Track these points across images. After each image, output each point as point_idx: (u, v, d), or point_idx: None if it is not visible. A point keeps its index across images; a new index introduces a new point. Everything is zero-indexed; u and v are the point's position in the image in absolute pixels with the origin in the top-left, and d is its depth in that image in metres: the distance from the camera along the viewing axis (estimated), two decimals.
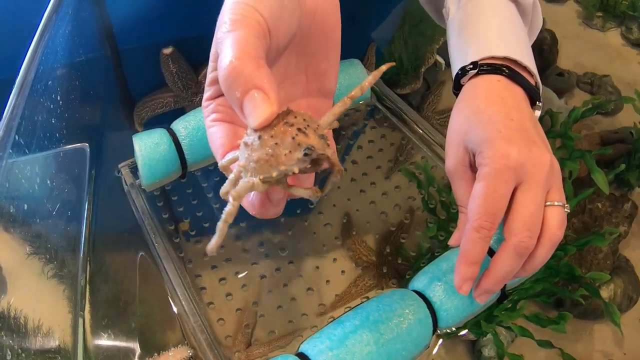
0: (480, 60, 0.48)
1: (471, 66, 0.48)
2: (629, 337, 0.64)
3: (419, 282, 0.54)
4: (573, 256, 0.65)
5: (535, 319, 0.59)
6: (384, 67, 0.38)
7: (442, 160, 0.69)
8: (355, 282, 0.61)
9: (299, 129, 0.32)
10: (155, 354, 0.54)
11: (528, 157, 0.42)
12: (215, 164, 0.38)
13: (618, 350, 0.64)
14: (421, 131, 0.72)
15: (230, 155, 0.36)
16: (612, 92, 0.87)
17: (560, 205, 0.44)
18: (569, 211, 0.45)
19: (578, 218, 0.70)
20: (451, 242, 0.48)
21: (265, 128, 0.33)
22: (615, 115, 0.85)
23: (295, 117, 0.33)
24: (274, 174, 0.33)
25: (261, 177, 0.33)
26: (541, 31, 0.94)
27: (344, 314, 0.52)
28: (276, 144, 0.32)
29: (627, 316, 0.66)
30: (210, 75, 0.37)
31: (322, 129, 0.34)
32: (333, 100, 0.44)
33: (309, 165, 0.33)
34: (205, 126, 0.38)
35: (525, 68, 0.48)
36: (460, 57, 0.50)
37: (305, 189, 0.36)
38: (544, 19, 0.95)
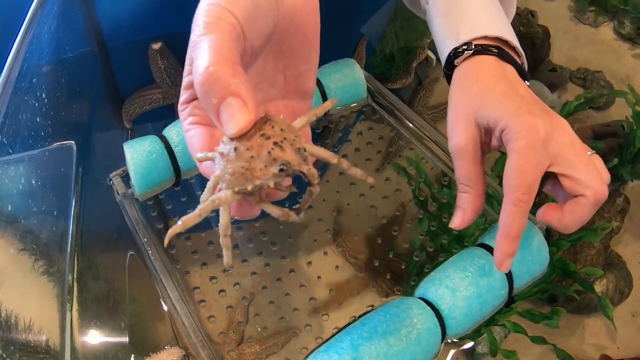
0: (473, 40, 0.49)
1: (465, 47, 0.48)
2: (621, 331, 0.64)
3: (426, 289, 0.52)
4: (566, 252, 0.65)
5: (528, 315, 0.59)
6: (328, 105, 0.39)
7: (434, 154, 0.68)
8: (347, 281, 0.61)
9: (275, 143, 0.32)
10: (146, 358, 0.53)
11: (551, 127, 0.43)
12: None
13: (611, 344, 0.64)
14: (412, 125, 0.71)
15: (206, 154, 0.36)
16: (604, 86, 0.87)
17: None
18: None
19: None
20: (453, 224, 0.47)
21: (241, 137, 0.32)
22: (607, 110, 0.85)
23: (273, 126, 0.33)
24: (249, 187, 0.32)
25: (236, 189, 0.33)
26: (533, 26, 0.94)
27: (349, 324, 0.51)
28: (252, 157, 0.32)
29: (618, 310, 0.66)
30: (185, 79, 0.36)
31: (299, 141, 0.34)
32: (312, 103, 0.44)
33: (285, 178, 0.33)
34: (183, 130, 0.38)
35: (513, 48, 0.49)
36: (450, 36, 0.50)
37: (276, 208, 0.35)
38: (536, 13, 0.96)
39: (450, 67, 0.50)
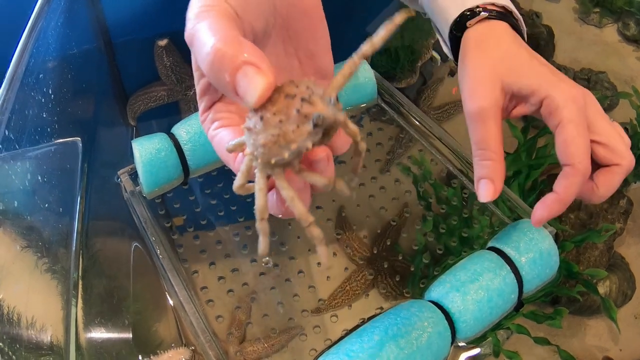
0: (483, 5, 0.48)
1: (480, 9, 0.48)
2: (624, 333, 0.64)
3: (436, 292, 0.52)
4: (569, 253, 0.65)
5: (532, 315, 0.59)
6: (398, 19, 0.34)
7: (441, 153, 0.68)
8: (350, 278, 0.61)
9: (302, 99, 0.29)
10: (153, 356, 0.53)
11: (584, 96, 0.44)
12: (219, 169, 0.36)
13: (614, 346, 0.64)
14: (422, 126, 0.71)
15: (237, 140, 0.33)
16: (608, 88, 0.86)
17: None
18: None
19: (574, 214, 0.70)
20: (485, 197, 0.45)
21: (266, 106, 0.30)
22: (611, 112, 0.85)
23: (297, 86, 0.30)
24: (286, 155, 0.30)
25: (273, 161, 0.30)
26: (538, 26, 0.94)
27: (358, 326, 0.50)
28: (281, 121, 0.29)
29: (622, 312, 0.66)
30: (199, 85, 0.35)
31: (329, 93, 0.30)
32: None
33: (322, 137, 0.30)
34: (209, 138, 0.36)
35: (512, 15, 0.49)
36: (455, 3, 0.50)
37: (319, 176, 0.32)
38: (540, 14, 0.95)
39: (459, 29, 0.49)
